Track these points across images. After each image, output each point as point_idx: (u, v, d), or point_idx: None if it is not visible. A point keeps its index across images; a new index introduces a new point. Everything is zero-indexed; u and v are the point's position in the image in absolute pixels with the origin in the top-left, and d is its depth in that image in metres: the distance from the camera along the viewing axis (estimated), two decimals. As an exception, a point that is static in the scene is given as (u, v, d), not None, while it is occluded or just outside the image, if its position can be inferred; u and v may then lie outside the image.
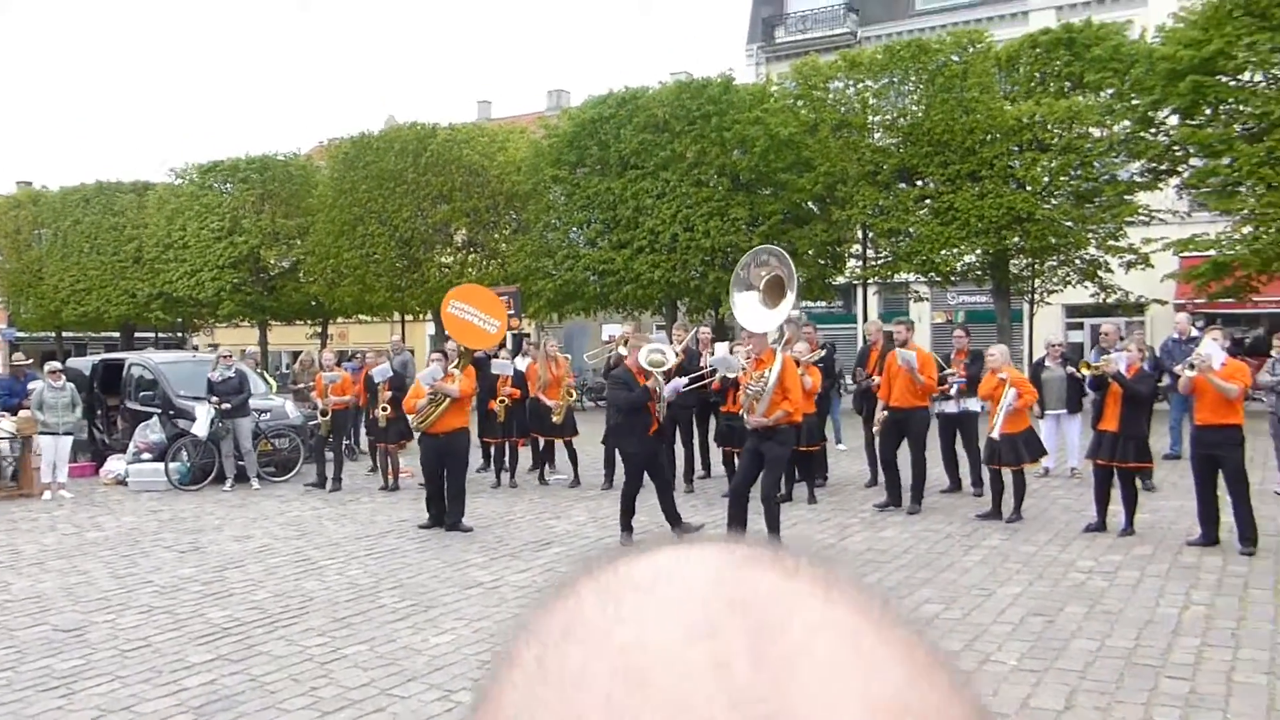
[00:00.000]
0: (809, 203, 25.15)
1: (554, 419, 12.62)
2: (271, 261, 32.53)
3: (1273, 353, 11.23)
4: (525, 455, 13.66)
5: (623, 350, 12.46)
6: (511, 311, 14.69)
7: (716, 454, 12.38)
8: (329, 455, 13.29)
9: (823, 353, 12.48)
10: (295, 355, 18.17)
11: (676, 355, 10.64)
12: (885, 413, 10.66)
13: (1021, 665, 5.56)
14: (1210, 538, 8.37)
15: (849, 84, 24.24)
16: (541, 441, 13.26)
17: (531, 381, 12.94)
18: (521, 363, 13.51)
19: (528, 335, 22.10)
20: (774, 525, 8.36)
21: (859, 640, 0.37)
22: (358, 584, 7.96)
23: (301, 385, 15.74)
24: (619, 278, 25.52)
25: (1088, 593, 7.06)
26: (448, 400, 9.93)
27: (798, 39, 33.81)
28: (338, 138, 31.12)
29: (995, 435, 9.62)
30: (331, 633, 6.62)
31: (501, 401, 12.73)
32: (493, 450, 13.32)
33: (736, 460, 10.84)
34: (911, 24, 31.39)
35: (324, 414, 13.20)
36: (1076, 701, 5.00)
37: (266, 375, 16.82)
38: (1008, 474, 9.78)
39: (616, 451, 12.41)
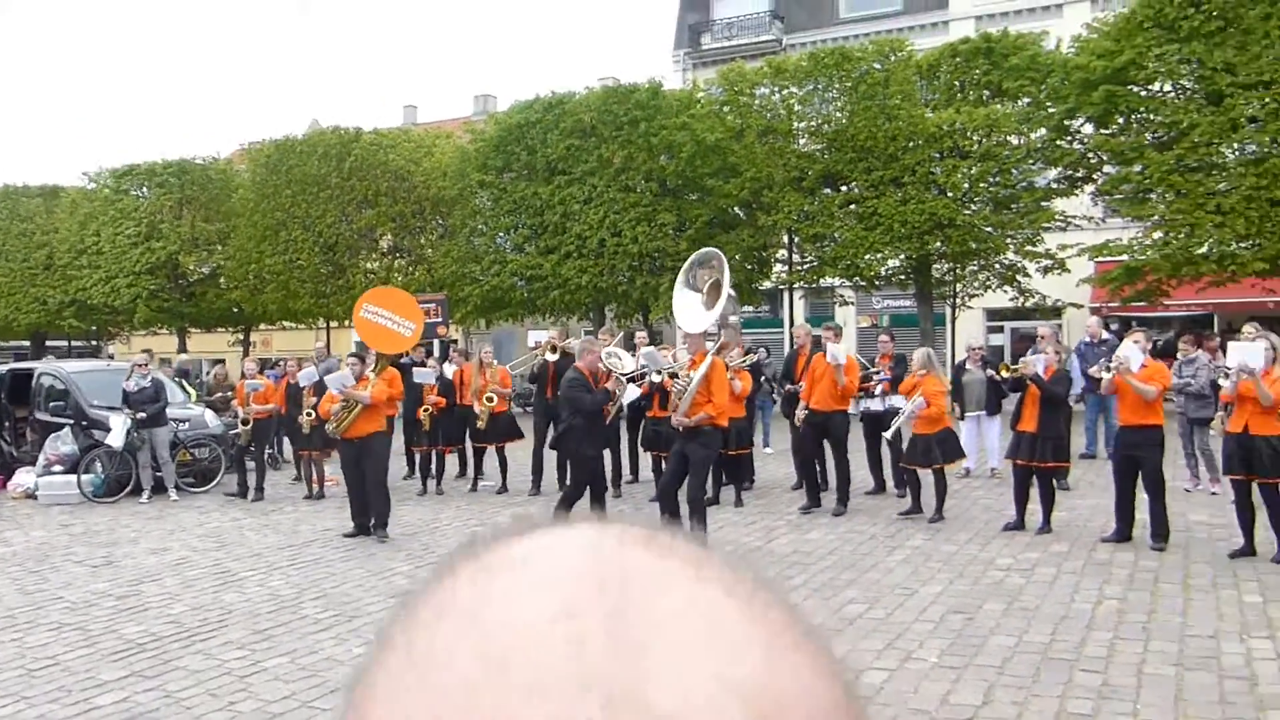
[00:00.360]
0: (735, 208, 25.36)
1: (479, 424, 12.52)
2: (191, 267, 31.79)
3: (1179, 355, 11.60)
4: (452, 463, 13.53)
5: (550, 356, 12.47)
6: (439, 319, 14.55)
7: (645, 459, 12.39)
8: (250, 464, 13.02)
9: (754, 357, 12.58)
10: (216, 363, 17.74)
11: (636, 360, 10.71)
12: (804, 413, 10.75)
13: (942, 662, 5.64)
14: (1124, 534, 8.60)
15: (774, 90, 24.49)
16: (472, 448, 13.12)
17: (465, 389, 12.79)
18: (449, 369, 13.39)
19: (455, 342, 21.92)
20: (700, 527, 8.39)
21: (723, 620, 0.37)
22: (279, 595, 7.80)
23: (218, 396, 15.41)
24: (546, 283, 25.48)
25: (1006, 590, 7.20)
26: (359, 405, 9.75)
27: (724, 45, 34.07)
28: (259, 141, 30.56)
29: (895, 428, 9.88)
30: (251, 645, 6.48)
31: (426, 410, 12.60)
32: (418, 458, 13.17)
33: (664, 465, 10.90)
34: (835, 32, 31.83)
35: (245, 422, 12.94)
36: (994, 696, 5.09)
37: (186, 384, 16.41)
38: (927, 474, 9.96)
39: (542, 457, 12.40)
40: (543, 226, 25.70)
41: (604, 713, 0.34)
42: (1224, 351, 9.65)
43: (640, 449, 12.36)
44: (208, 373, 16.41)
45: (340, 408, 9.89)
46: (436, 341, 17.96)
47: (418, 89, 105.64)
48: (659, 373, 10.46)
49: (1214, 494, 10.70)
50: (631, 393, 10.94)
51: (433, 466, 12.92)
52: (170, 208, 30.49)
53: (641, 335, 12.92)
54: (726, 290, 8.87)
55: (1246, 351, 7.79)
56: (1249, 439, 7.78)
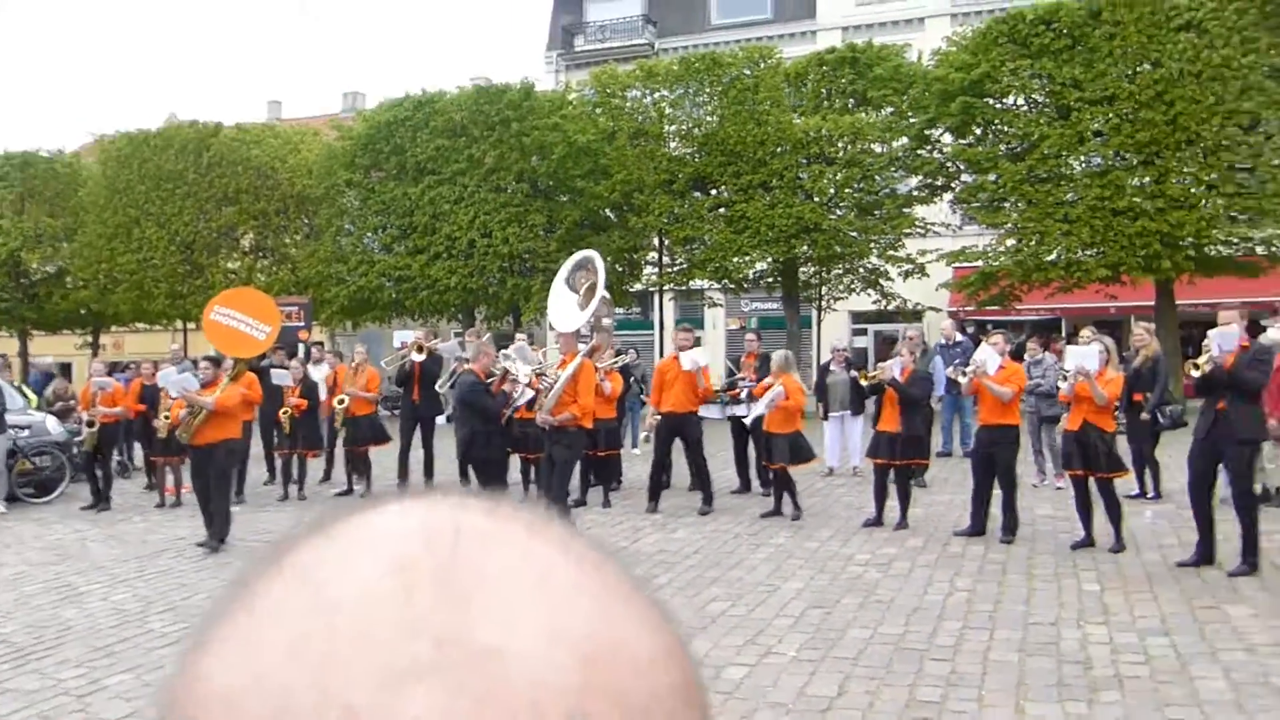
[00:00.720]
0: (606, 210, 25.43)
1: (336, 426, 12.23)
2: (34, 266, 30.17)
3: (1026, 356, 12.14)
4: (315, 467, 13.16)
5: (416, 356, 12.25)
6: (301, 324, 14.15)
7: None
8: (98, 472, 12.37)
9: (624, 359, 12.62)
10: (49, 377, 16.77)
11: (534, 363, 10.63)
12: (657, 418, 10.83)
13: (800, 656, 5.75)
14: (978, 528, 8.92)
15: (646, 93, 24.67)
16: (344, 453, 12.75)
17: (339, 391, 12.43)
18: (317, 372, 13.02)
19: (321, 344, 21.37)
20: None
21: (553, 573, 0.39)
22: (124, 609, 7.44)
23: (59, 406, 14.60)
24: (415, 284, 25.08)
25: (864, 584, 7.39)
26: (203, 411, 9.37)
27: (597, 48, 34.14)
28: (110, 134, 29.21)
29: (755, 415, 10.04)
30: (91, 663, 6.15)
31: (286, 412, 12.23)
32: (279, 463, 12.76)
33: (534, 467, 10.84)
34: (707, 38, 32.22)
35: (90, 425, 12.25)
36: (849, 687, 5.21)
37: (26, 389, 15.53)
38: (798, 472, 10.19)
39: (409, 460, 12.18)
40: (411, 226, 25.31)
41: (433, 652, 0.35)
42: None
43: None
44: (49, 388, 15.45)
45: (186, 413, 9.49)
46: (300, 345, 17.50)
47: (283, 85, 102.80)
48: (526, 365, 10.39)
49: (1058, 489, 11.19)
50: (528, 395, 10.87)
51: (294, 471, 12.52)
52: (11, 202, 28.88)
53: (521, 337, 12.82)
54: (600, 293, 8.91)
55: (1082, 355, 8.18)
56: (1086, 436, 8.17)
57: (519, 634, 0.36)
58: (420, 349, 12.30)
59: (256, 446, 12.66)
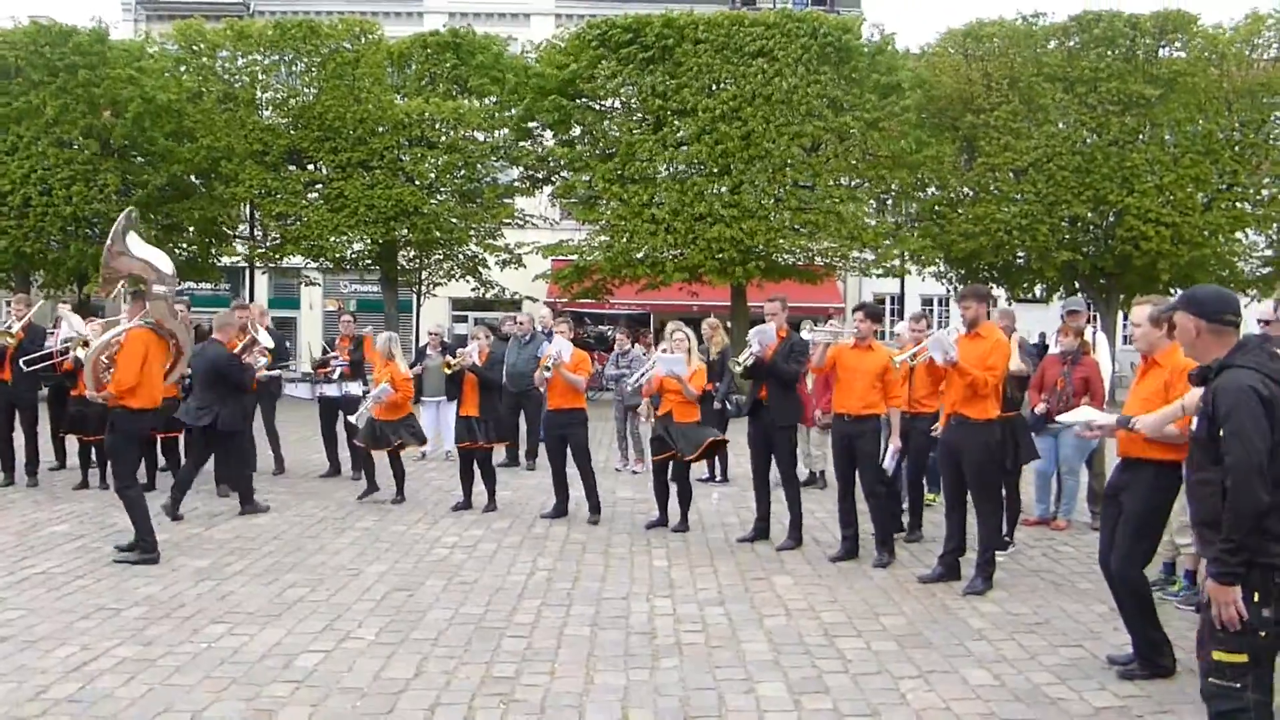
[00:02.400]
0: (192, 175, 23.54)
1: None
2: None
3: (615, 347, 12.78)
4: None
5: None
6: None
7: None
8: None
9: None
10: None
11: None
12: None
13: (379, 639, 5.63)
14: (561, 510, 9.25)
15: (237, 56, 23.12)
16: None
17: None
18: None
19: None
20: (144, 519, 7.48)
21: None
22: None
23: None
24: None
25: (449, 566, 7.39)
26: None
27: (184, 1, 31.53)
28: None
29: (361, 412, 9.93)
30: None
31: None
32: None
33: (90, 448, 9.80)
34: (307, 4, 30.84)
35: None
36: (426, 668, 5.17)
37: None
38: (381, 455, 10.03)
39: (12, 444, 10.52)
40: (-55, 176, 21.88)
41: None
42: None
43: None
44: None
45: None
46: None
47: None
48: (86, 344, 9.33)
49: (635, 473, 11.89)
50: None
51: None
52: None
53: (64, 306, 11.44)
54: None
55: (671, 362, 8.67)
56: (672, 425, 8.69)
57: None
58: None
59: None
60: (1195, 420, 3.78)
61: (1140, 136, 22.35)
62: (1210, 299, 3.85)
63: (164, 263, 7.83)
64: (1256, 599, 3.40)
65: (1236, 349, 3.66)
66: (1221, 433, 3.50)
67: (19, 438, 10.59)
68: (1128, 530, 5.11)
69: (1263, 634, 3.43)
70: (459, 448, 9.68)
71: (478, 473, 9.58)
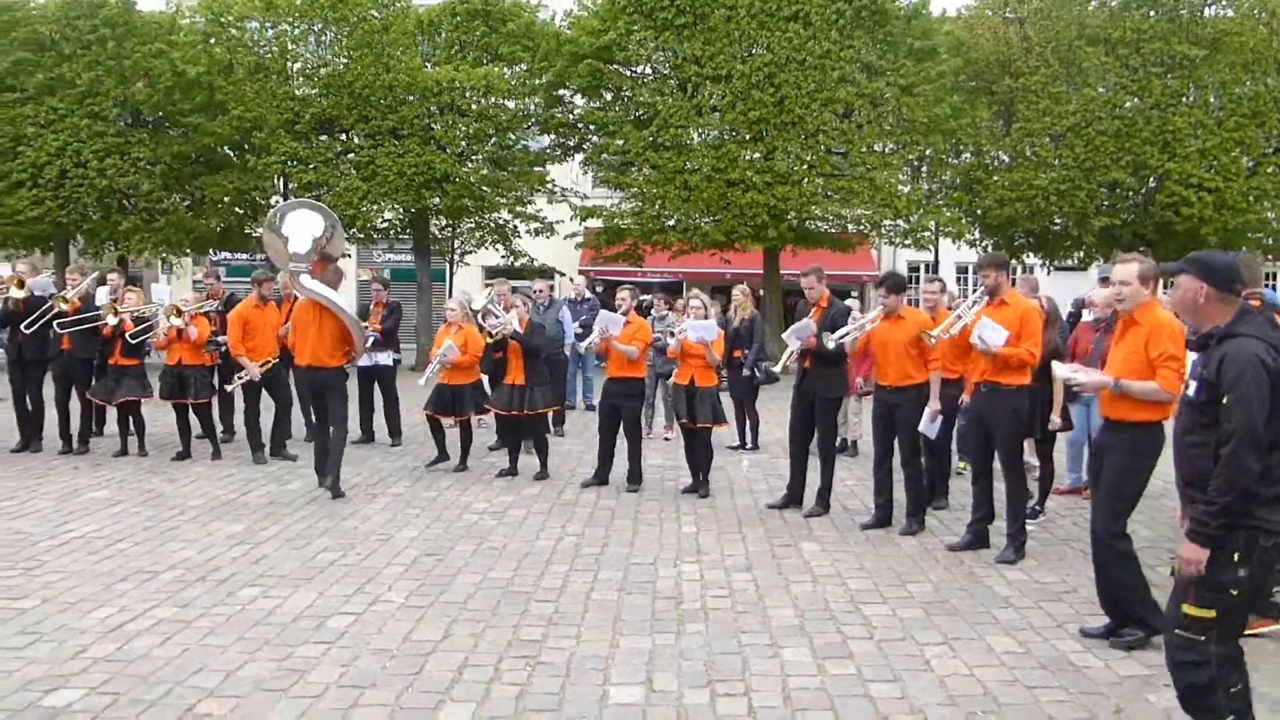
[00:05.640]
0: (224, 147, 23.68)
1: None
2: None
3: (653, 311, 12.79)
4: None
5: (17, 293, 10.62)
6: None
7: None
8: None
9: (212, 305, 11.72)
10: None
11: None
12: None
13: (409, 602, 5.71)
14: (603, 478, 9.27)
15: (266, 26, 23.15)
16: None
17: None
18: None
19: None
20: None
21: None
22: None
23: None
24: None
25: (478, 531, 7.46)
26: None
27: (212, -29, 31.53)
28: None
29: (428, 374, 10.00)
30: None
31: None
32: None
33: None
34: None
35: None
36: (454, 630, 5.24)
37: None
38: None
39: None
40: (-18, 148, 22.18)
41: None
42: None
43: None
44: None
45: None
46: None
47: None
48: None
49: (667, 439, 11.91)
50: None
51: None
52: None
53: (113, 276, 11.60)
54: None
55: (702, 329, 8.70)
56: (695, 390, 8.73)
57: None
58: (21, 284, 10.71)
59: None
60: (1193, 385, 3.78)
61: (1184, 99, 21.86)
62: (1224, 266, 3.84)
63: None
64: (1236, 558, 3.51)
65: (1238, 318, 3.69)
66: (1225, 399, 3.55)
67: (71, 406, 10.81)
68: (1105, 488, 5.17)
69: (1234, 592, 3.54)
70: (501, 416, 9.74)
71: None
